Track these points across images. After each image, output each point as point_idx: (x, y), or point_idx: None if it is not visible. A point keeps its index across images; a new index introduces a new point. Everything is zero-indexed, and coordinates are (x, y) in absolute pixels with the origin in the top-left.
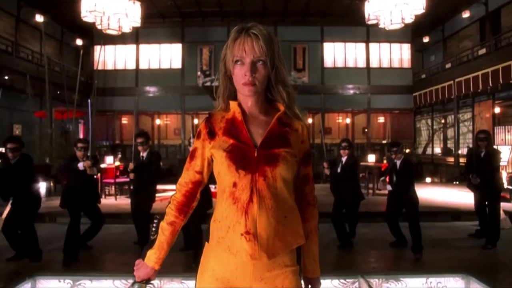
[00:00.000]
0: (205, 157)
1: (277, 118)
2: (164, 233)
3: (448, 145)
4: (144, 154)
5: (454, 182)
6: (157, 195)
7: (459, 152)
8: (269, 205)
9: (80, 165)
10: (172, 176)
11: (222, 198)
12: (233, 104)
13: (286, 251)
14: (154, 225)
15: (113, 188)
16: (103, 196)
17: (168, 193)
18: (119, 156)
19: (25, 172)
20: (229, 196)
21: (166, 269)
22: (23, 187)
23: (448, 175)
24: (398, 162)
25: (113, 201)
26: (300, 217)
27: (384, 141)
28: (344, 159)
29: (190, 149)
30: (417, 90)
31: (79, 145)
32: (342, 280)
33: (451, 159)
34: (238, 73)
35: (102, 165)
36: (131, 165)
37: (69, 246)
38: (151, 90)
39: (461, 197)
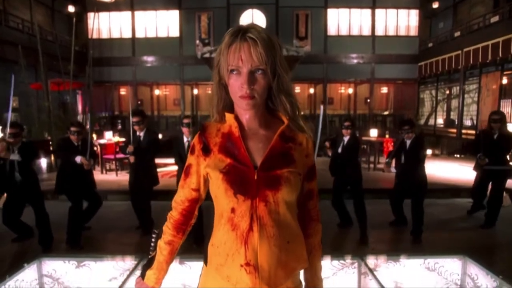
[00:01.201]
0: (200, 174)
1: (279, 134)
2: (162, 253)
3: (451, 117)
4: (141, 133)
5: (455, 155)
6: (157, 170)
7: (462, 123)
8: (270, 233)
9: (78, 159)
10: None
11: (220, 223)
12: (229, 117)
13: (289, 277)
14: (153, 240)
15: (113, 163)
16: (103, 172)
17: (168, 168)
18: (119, 127)
19: (28, 161)
20: (227, 222)
21: None
22: (26, 174)
23: (449, 147)
24: (408, 142)
25: (114, 177)
26: (303, 234)
27: (386, 112)
28: (346, 139)
29: (185, 165)
30: (423, 59)
31: (73, 129)
32: (341, 261)
33: (453, 131)
34: (234, 84)
35: (102, 141)
36: (130, 148)
37: (72, 232)
38: (149, 59)
39: (462, 172)
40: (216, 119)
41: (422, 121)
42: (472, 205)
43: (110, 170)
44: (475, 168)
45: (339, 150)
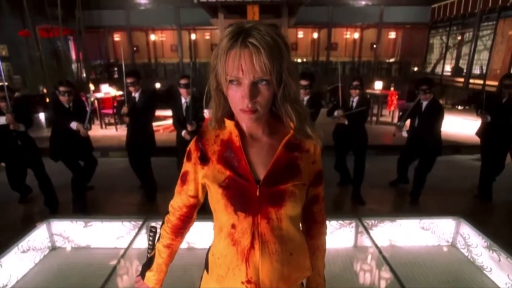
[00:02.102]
0: (198, 182)
1: (284, 144)
2: (161, 255)
3: (460, 64)
4: (136, 94)
5: (459, 107)
6: (157, 123)
7: (471, 72)
8: (272, 249)
9: (73, 126)
10: (171, 98)
11: (220, 235)
12: (229, 124)
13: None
14: (150, 238)
15: (112, 118)
16: (102, 127)
17: (168, 121)
18: (116, 76)
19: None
20: (227, 236)
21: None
22: (25, 139)
23: (455, 97)
24: (424, 103)
25: (114, 132)
26: (307, 235)
27: (392, 59)
28: (354, 100)
29: (181, 171)
30: (437, 1)
31: (61, 89)
32: (340, 221)
33: (460, 80)
34: (233, 95)
35: (98, 94)
36: (124, 109)
37: (77, 200)
38: (143, 2)
39: (464, 126)
40: (214, 126)
41: (428, 69)
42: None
43: (110, 124)
44: (478, 134)
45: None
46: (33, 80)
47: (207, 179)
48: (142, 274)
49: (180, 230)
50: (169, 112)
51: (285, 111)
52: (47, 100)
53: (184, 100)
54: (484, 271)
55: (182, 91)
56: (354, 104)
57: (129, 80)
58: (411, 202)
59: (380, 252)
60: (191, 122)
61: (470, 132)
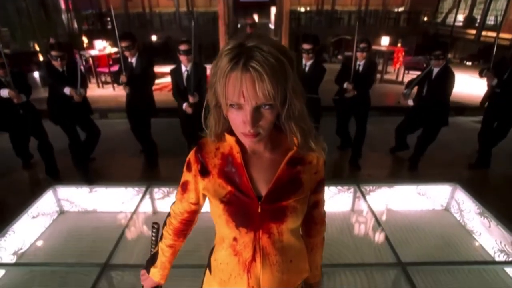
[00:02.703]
0: (199, 191)
1: (287, 162)
2: (165, 254)
3: (474, 14)
4: (133, 60)
5: (468, 62)
6: (156, 81)
7: (485, 23)
8: (273, 261)
9: (67, 91)
10: (169, 51)
11: (221, 245)
12: (230, 139)
13: None
14: (153, 235)
15: (109, 76)
16: (99, 86)
17: (167, 79)
18: (109, 27)
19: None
20: (229, 247)
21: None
22: (26, 108)
23: (464, 51)
24: (435, 70)
25: (111, 92)
26: (305, 235)
27: (401, 8)
28: (361, 63)
29: (181, 180)
30: None
31: (53, 53)
32: (339, 187)
33: (472, 32)
34: (234, 118)
35: (93, 52)
36: (123, 78)
37: (79, 166)
38: None
39: (470, 85)
40: (214, 140)
41: (439, 19)
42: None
43: (106, 83)
44: (484, 101)
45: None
46: (22, 34)
47: (207, 192)
48: (147, 269)
49: (182, 232)
50: (166, 68)
51: (289, 128)
52: (40, 57)
53: (184, 68)
54: (474, 235)
55: (182, 58)
56: (361, 68)
57: (123, 44)
58: (410, 168)
59: (376, 217)
60: (193, 93)
61: (476, 93)
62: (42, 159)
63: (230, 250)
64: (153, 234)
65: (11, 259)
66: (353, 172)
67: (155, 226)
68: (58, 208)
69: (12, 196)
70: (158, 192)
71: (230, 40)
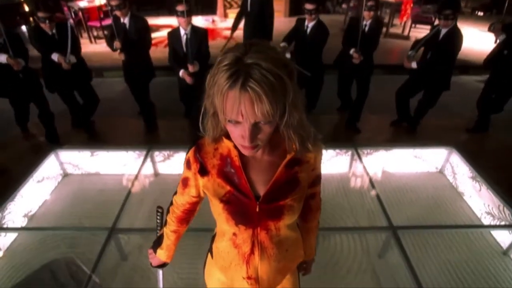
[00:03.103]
0: (199, 187)
1: (285, 165)
2: (169, 238)
3: None
4: (125, 20)
5: (479, 13)
6: (152, 35)
7: None
8: (271, 253)
9: (54, 57)
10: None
11: (222, 237)
12: (228, 144)
13: (285, 276)
14: (158, 218)
15: (101, 30)
16: (92, 41)
17: (162, 33)
18: None
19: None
20: (229, 240)
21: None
22: (26, 73)
23: (477, 0)
24: (443, 31)
25: (105, 47)
26: (301, 220)
27: None
28: (367, 23)
29: (181, 177)
30: None
31: (40, 15)
32: (337, 150)
33: None
34: (232, 130)
35: (81, 3)
36: (117, 44)
37: (81, 122)
38: None
39: (479, 40)
40: (212, 142)
41: None
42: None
43: (99, 38)
44: (487, 61)
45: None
46: None
47: (207, 191)
48: (154, 250)
49: (185, 219)
50: (163, 20)
51: (287, 135)
52: (26, 8)
53: (183, 31)
54: (464, 197)
55: (180, 20)
56: (367, 28)
57: (113, 2)
58: (408, 131)
59: (371, 179)
60: (193, 61)
61: (484, 49)
62: (42, 124)
63: (230, 242)
64: (158, 217)
65: (23, 221)
66: (352, 135)
67: (159, 210)
68: (61, 171)
69: (15, 162)
70: (158, 155)
71: (228, 51)
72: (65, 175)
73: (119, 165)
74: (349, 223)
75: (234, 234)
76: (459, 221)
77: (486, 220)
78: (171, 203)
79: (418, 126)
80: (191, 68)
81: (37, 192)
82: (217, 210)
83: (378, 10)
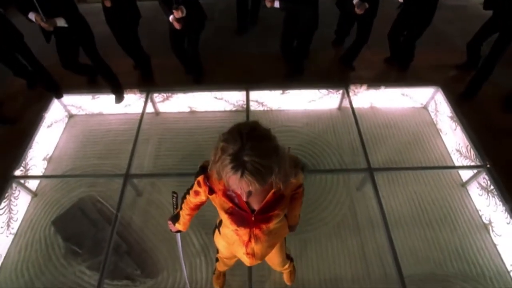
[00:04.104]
0: (207, 197)
1: (273, 192)
2: (184, 218)
3: None
4: None
5: None
6: None
7: None
8: (263, 240)
9: (31, 17)
10: None
11: (227, 227)
12: None
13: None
14: (174, 200)
15: None
16: None
17: None
18: None
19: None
20: (232, 231)
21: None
22: None
23: None
24: None
25: None
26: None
27: None
28: None
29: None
30: None
31: None
32: (330, 90)
33: None
34: (233, 182)
35: None
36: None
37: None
38: None
39: None
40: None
41: None
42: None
43: None
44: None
45: None
46: None
47: (214, 203)
48: (173, 222)
49: (196, 208)
50: None
51: (274, 182)
52: None
53: None
54: (441, 134)
55: None
56: None
57: None
58: (399, 69)
59: (356, 118)
60: (178, 6)
61: None
62: (38, 78)
63: (233, 233)
64: (174, 200)
65: (43, 165)
66: (346, 73)
67: (174, 195)
68: (66, 113)
69: (22, 113)
70: (158, 96)
71: (228, 140)
72: (70, 116)
73: (121, 105)
74: (334, 159)
75: (236, 230)
76: (431, 157)
77: (455, 157)
78: (185, 197)
79: (410, 64)
80: (176, 14)
81: (49, 136)
82: (223, 216)
83: None
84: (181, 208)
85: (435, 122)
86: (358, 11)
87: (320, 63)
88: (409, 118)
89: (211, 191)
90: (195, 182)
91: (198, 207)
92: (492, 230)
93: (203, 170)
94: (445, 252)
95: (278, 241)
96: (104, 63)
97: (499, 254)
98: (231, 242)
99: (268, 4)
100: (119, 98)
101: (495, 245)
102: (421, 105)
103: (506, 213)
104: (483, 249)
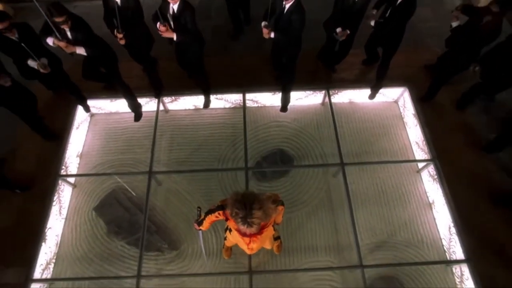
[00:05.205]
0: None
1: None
2: (205, 224)
3: None
4: None
5: None
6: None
7: None
8: (258, 241)
9: (50, 41)
10: None
11: (233, 232)
12: None
13: None
14: (198, 212)
15: None
16: None
17: None
18: None
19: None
20: (237, 235)
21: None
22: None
23: None
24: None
25: None
26: None
27: None
28: None
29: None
30: None
31: (58, 20)
32: (313, 92)
33: None
34: (241, 228)
35: None
36: (120, 38)
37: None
38: None
39: None
40: None
41: None
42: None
43: None
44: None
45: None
46: None
47: (229, 225)
48: (198, 225)
49: (215, 221)
50: None
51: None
52: None
53: (171, 6)
54: (406, 126)
55: None
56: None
57: None
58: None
59: (334, 117)
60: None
61: None
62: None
63: (239, 238)
64: (198, 212)
65: (77, 161)
66: (328, 74)
67: (199, 209)
68: (89, 113)
69: (52, 119)
70: (167, 98)
71: (239, 209)
72: (92, 115)
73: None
74: (316, 151)
75: (240, 236)
76: (396, 147)
77: (414, 148)
78: (208, 214)
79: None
80: (169, 34)
81: (78, 136)
82: (234, 231)
83: None
84: (204, 218)
85: (402, 116)
86: (340, 39)
87: (307, 65)
88: (382, 112)
89: (227, 218)
90: (217, 212)
91: (214, 221)
92: (434, 208)
93: (222, 207)
94: (396, 225)
95: (268, 238)
96: (125, 85)
97: (436, 226)
98: (237, 241)
99: (266, 36)
100: (138, 117)
101: (434, 219)
102: (393, 100)
103: (444, 196)
104: (425, 222)
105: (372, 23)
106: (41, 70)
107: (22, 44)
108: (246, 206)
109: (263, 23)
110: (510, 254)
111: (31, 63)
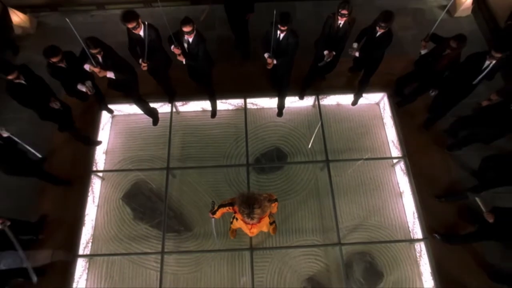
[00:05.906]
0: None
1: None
2: (218, 214)
3: None
4: (140, 32)
5: None
6: None
7: None
8: (257, 227)
9: (86, 67)
10: None
11: (239, 220)
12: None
13: None
14: (212, 205)
15: None
16: None
17: None
18: None
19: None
20: (242, 223)
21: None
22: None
23: None
24: (379, 33)
25: None
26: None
27: None
28: (341, 22)
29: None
30: None
31: (93, 51)
32: (306, 97)
33: None
34: (246, 221)
35: None
36: (143, 65)
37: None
38: None
39: None
40: None
41: None
42: None
43: None
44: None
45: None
46: None
47: (236, 215)
48: (212, 214)
49: (225, 212)
50: None
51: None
52: None
53: (186, 37)
54: (385, 127)
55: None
56: (341, 25)
57: (130, 25)
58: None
59: (321, 117)
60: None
61: None
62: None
63: (244, 225)
64: (212, 204)
65: (103, 157)
66: (318, 81)
67: (213, 202)
68: (110, 114)
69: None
70: (179, 102)
71: (243, 205)
72: (113, 116)
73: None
74: (307, 148)
75: (244, 223)
76: (376, 145)
77: (391, 145)
78: (221, 206)
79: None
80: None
81: (104, 136)
82: (240, 222)
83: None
84: (217, 209)
85: (382, 117)
86: (327, 59)
87: (300, 73)
88: (364, 113)
89: (235, 212)
90: (228, 207)
91: (225, 212)
92: (403, 197)
93: (232, 204)
94: (371, 210)
95: (265, 224)
96: (144, 101)
97: (404, 212)
98: (241, 226)
99: (269, 66)
100: (156, 121)
101: (403, 205)
102: (375, 102)
103: (410, 187)
104: (395, 208)
105: (357, 54)
106: (89, 92)
107: (70, 71)
108: (249, 205)
109: (266, 55)
110: (459, 233)
111: (80, 86)
